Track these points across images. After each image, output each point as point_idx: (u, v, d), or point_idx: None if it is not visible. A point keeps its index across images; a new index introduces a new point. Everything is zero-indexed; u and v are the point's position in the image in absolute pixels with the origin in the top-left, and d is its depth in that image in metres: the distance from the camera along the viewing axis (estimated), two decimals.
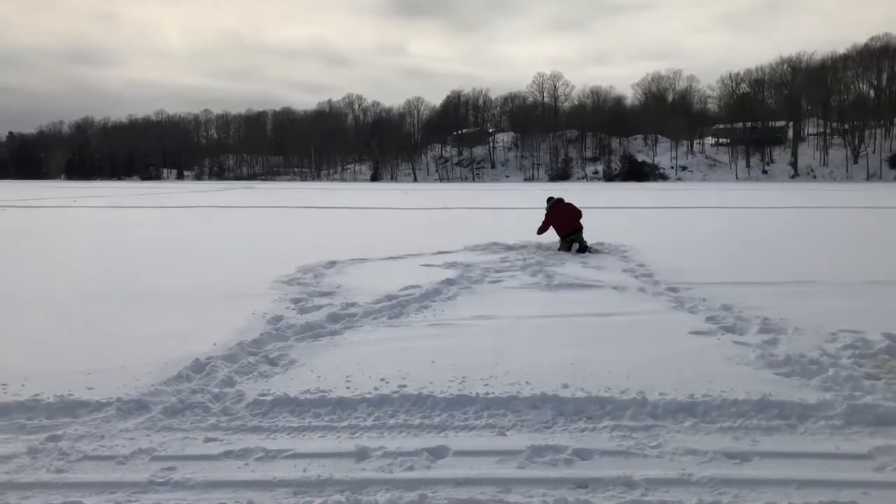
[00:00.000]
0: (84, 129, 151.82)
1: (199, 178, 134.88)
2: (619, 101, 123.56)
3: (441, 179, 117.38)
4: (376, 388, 5.01)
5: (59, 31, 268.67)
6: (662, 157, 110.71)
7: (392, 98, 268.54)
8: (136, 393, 4.93)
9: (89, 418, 4.54)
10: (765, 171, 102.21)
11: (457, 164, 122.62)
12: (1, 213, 27.47)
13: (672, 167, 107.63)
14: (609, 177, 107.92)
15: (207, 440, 4.20)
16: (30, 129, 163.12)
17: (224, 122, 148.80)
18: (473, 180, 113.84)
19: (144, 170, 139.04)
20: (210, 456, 3.97)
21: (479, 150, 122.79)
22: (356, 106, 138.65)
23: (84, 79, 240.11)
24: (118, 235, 18.00)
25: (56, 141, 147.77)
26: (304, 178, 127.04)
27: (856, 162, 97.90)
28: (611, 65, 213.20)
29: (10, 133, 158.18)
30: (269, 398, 4.82)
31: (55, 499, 3.45)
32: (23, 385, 5.15)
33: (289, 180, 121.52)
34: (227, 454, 3.99)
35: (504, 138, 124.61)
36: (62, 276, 10.64)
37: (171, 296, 8.86)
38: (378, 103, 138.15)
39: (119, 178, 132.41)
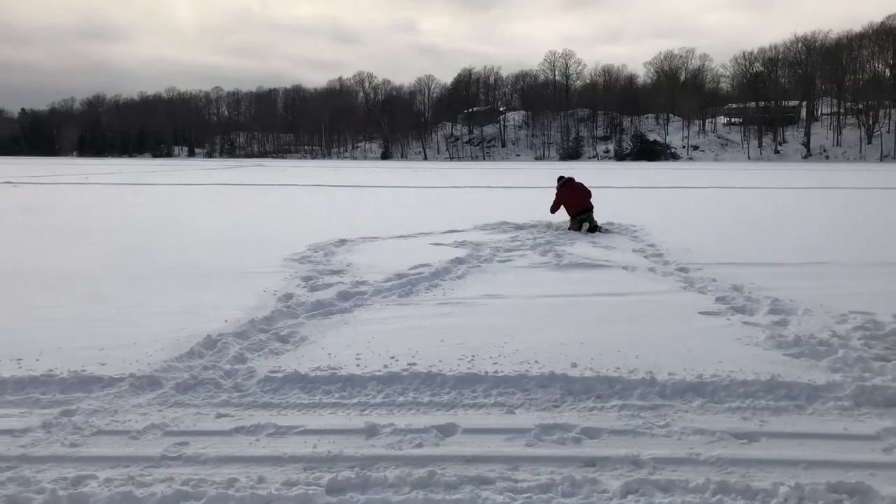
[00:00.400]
0: (95, 106, 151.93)
1: (210, 155, 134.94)
2: (630, 79, 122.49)
3: (451, 158, 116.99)
4: (386, 366, 5.05)
5: (70, 7, 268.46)
6: (674, 136, 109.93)
7: (403, 76, 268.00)
8: (148, 369, 4.98)
9: (102, 393, 4.59)
10: (777, 151, 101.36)
11: (467, 142, 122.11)
12: (14, 190, 27.62)
13: (683, 146, 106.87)
14: (620, 156, 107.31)
15: (219, 416, 4.25)
16: (42, 105, 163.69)
17: (235, 99, 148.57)
18: (484, 159, 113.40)
19: (156, 147, 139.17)
20: (222, 431, 4.02)
21: (489, 129, 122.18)
22: (367, 84, 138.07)
23: (95, 55, 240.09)
24: (130, 212, 18.07)
25: (68, 118, 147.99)
26: (314, 156, 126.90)
27: (869, 142, 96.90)
28: (623, 43, 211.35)
29: (23, 110, 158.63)
30: (280, 375, 4.87)
31: (69, 472, 3.50)
32: (37, 360, 5.21)
33: (299, 158, 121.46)
34: (238, 430, 4.03)
35: (515, 117, 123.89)
36: (74, 253, 10.71)
37: (183, 273, 8.91)
38: (389, 81, 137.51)
39: (130, 156, 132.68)
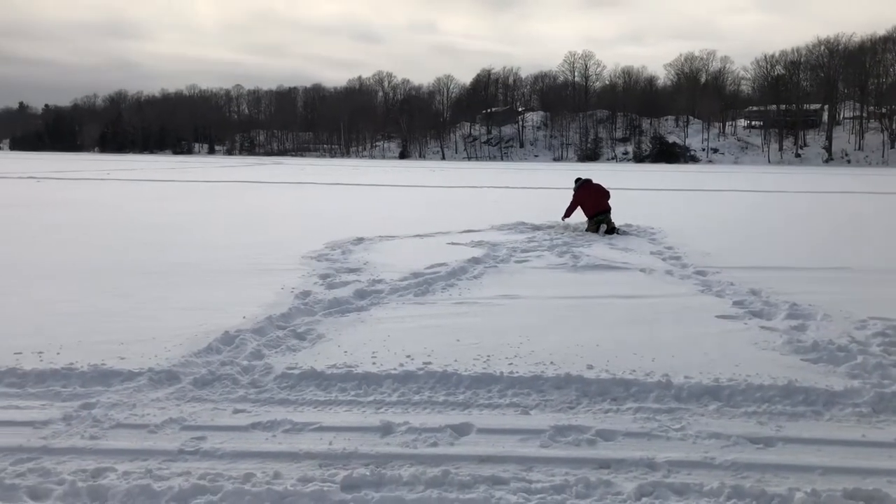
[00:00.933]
0: (117, 102, 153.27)
1: (229, 152, 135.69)
2: (650, 81, 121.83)
3: (469, 158, 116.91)
4: (401, 365, 5.07)
5: (93, 5, 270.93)
6: (693, 138, 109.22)
7: (422, 75, 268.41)
8: (167, 364, 5.03)
9: (122, 387, 4.64)
10: (798, 155, 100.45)
11: (485, 142, 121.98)
12: (37, 185, 27.93)
13: (703, 149, 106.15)
14: (639, 158, 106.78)
15: (236, 411, 4.29)
16: (65, 101, 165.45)
17: (255, 97, 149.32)
18: (502, 159, 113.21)
19: (176, 144, 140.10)
20: (238, 427, 4.05)
21: (507, 129, 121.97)
22: (386, 83, 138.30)
23: (118, 52, 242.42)
24: (150, 208, 18.23)
25: (90, 114, 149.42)
26: (333, 155, 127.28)
27: (892, 147, 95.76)
28: (643, 44, 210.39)
29: (46, 106, 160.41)
30: (296, 372, 4.90)
31: (89, 464, 3.54)
32: (58, 353, 5.28)
33: (318, 156, 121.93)
34: (254, 426, 4.07)
35: (533, 117, 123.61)
36: (95, 248, 10.82)
37: (202, 269, 8.98)
38: (408, 81, 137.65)
39: (151, 152, 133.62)
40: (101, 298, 7.28)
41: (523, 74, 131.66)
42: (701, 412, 4.33)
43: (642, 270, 9.17)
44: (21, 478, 3.36)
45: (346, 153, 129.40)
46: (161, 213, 16.80)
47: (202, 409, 4.32)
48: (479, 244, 11.29)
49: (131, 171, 45.09)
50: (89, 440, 3.86)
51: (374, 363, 5.13)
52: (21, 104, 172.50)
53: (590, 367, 5.03)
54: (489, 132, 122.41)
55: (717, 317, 6.68)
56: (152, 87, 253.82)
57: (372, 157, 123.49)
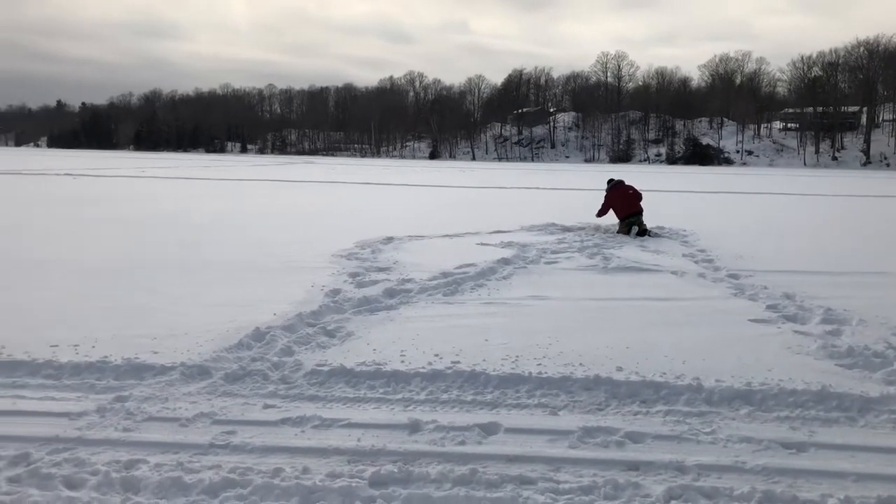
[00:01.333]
0: (152, 101, 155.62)
1: (261, 151, 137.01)
2: (684, 82, 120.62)
3: (500, 158, 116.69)
4: (430, 363, 5.08)
5: (129, 5, 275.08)
6: (728, 140, 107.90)
7: (453, 75, 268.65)
8: (198, 359, 5.10)
9: (154, 381, 4.72)
10: (835, 158, 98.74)
11: (516, 143, 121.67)
12: (73, 182, 28.43)
13: (737, 151, 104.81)
14: (672, 160, 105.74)
15: (266, 407, 4.33)
16: (101, 100, 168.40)
17: (287, 97, 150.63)
18: (532, 160, 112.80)
19: (209, 142, 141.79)
20: (268, 422, 4.09)
21: (539, 130, 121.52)
22: (417, 83, 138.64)
23: (153, 52, 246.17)
24: (183, 206, 18.47)
25: (125, 112, 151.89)
26: (363, 155, 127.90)
27: None
28: (676, 45, 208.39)
29: (83, 104, 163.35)
30: (325, 368, 4.93)
31: (122, 456, 3.61)
32: (93, 347, 5.37)
33: (349, 156, 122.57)
34: (284, 421, 4.10)
35: (565, 118, 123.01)
36: (129, 244, 10.99)
37: (233, 266, 9.08)
38: (439, 81, 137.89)
39: (185, 150, 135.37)
40: (136, 294, 7.39)
41: (555, 75, 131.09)
42: (732, 416, 4.28)
43: (674, 273, 9.09)
44: (57, 467, 3.43)
45: (376, 153, 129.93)
46: (194, 211, 17.01)
47: (233, 404, 4.37)
48: (508, 245, 11.27)
49: (165, 168, 45.71)
50: (123, 432, 3.92)
51: (402, 361, 5.15)
52: (59, 102, 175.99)
53: (619, 369, 5.00)
54: (520, 133, 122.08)
55: (750, 320, 6.59)
56: (187, 86, 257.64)
57: (402, 157, 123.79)
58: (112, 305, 6.82)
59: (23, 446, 3.67)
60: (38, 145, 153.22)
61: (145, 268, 8.92)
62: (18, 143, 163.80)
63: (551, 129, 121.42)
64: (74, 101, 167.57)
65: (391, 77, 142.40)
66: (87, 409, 4.23)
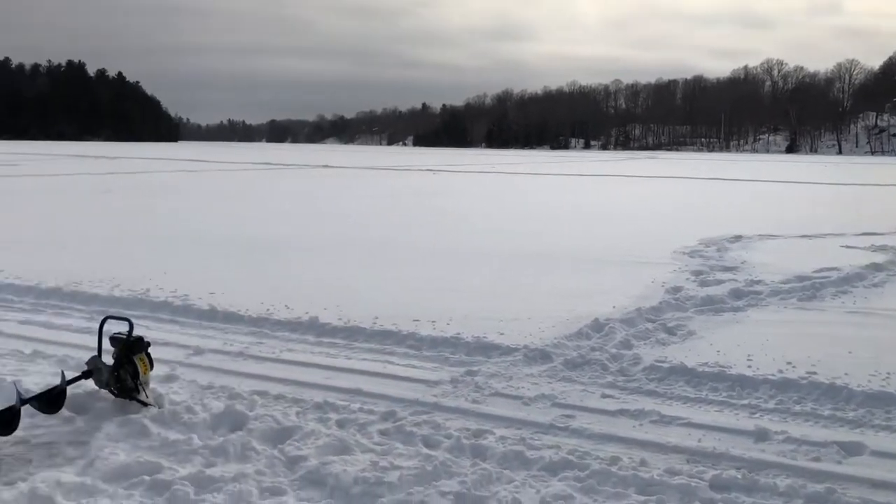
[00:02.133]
0: (503, 101, 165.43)
1: (604, 147, 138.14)
2: None
3: (873, 152, 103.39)
4: (780, 371, 4.70)
5: (485, 10, 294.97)
6: None
7: (818, 62, 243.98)
8: (540, 343, 5.32)
9: (500, 360, 5.03)
10: None
11: (894, 135, 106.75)
12: (433, 177, 31.40)
13: None
14: None
15: (604, 396, 4.37)
16: (458, 101, 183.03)
17: (633, 91, 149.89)
18: None
19: (554, 139, 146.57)
20: (606, 411, 4.12)
21: None
22: (775, 71, 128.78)
23: (505, 53, 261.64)
24: (526, 199, 19.38)
25: (479, 112, 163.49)
26: (710, 149, 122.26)
27: None
28: None
29: (444, 106, 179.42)
30: (665, 365, 4.83)
31: (471, 424, 3.90)
32: (448, 324, 5.89)
33: (694, 150, 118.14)
34: (622, 412, 4.10)
35: None
36: (471, 233, 11.84)
37: (573, 257, 9.32)
38: (801, 68, 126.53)
39: (531, 147, 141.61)
40: (479, 278, 7.95)
41: None
42: None
43: None
44: (417, 427, 3.82)
45: (725, 147, 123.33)
46: (535, 204, 17.75)
47: (572, 390, 4.48)
48: (881, 249, 9.97)
49: (513, 164, 48.32)
50: (472, 403, 4.24)
51: (749, 366, 4.84)
52: (423, 105, 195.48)
53: None
54: None
55: None
56: (535, 85, 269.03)
57: (754, 151, 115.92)
58: (457, 288, 7.42)
59: (390, 405, 4.16)
60: (404, 144, 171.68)
61: (484, 255, 9.56)
62: (390, 143, 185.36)
63: None
64: (436, 103, 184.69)
65: (745, 66, 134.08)
66: (442, 378, 4.66)
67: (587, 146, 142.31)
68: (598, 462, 3.41)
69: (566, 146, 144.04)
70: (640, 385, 4.56)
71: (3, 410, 3.52)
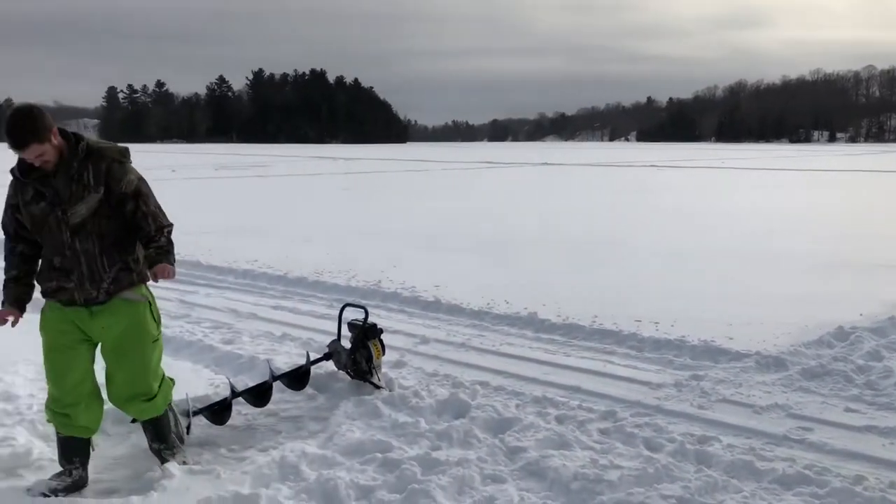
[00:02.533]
0: (736, 92, 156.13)
1: (853, 140, 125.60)
2: None
3: None
4: None
5: None
6: None
7: None
8: (774, 350, 4.98)
9: (728, 365, 4.78)
10: None
11: None
12: (657, 173, 30.38)
13: None
14: None
15: (848, 410, 4.00)
16: (686, 94, 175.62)
17: (890, 77, 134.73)
18: None
19: (793, 132, 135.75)
20: (850, 426, 3.77)
21: None
22: None
23: (738, 42, 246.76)
24: (755, 197, 18.15)
25: (709, 105, 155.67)
26: None
27: None
28: None
29: (670, 99, 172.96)
30: None
31: (696, 430, 3.74)
32: (672, 325, 5.69)
33: None
34: (869, 428, 3.73)
35: None
36: (694, 231, 11.28)
37: (811, 259, 8.63)
38: None
39: (767, 141, 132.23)
40: (704, 279, 7.60)
41: None
42: None
43: None
44: (639, 429, 3.74)
45: None
46: (767, 202, 16.58)
47: (810, 401, 4.15)
48: None
49: (745, 159, 45.46)
50: (697, 409, 4.07)
51: None
52: (648, 98, 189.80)
53: None
54: None
55: None
56: (773, 74, 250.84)
57: None
58: (678, 289, 7.12)
59: (611, 404, 4.11)
60: (627, 139, 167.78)
61: (709, 254, 9.13)
62: (612, 138, 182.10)
63: None
64: (662, 97, 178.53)
65: None
66: (666, 381, 4.51)
67: (832, 139, 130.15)
68: (839, 480, 3.13)
69: (807, 139, 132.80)
70: (892, 400, 4.11)
71: (258, 385, 3.98)
